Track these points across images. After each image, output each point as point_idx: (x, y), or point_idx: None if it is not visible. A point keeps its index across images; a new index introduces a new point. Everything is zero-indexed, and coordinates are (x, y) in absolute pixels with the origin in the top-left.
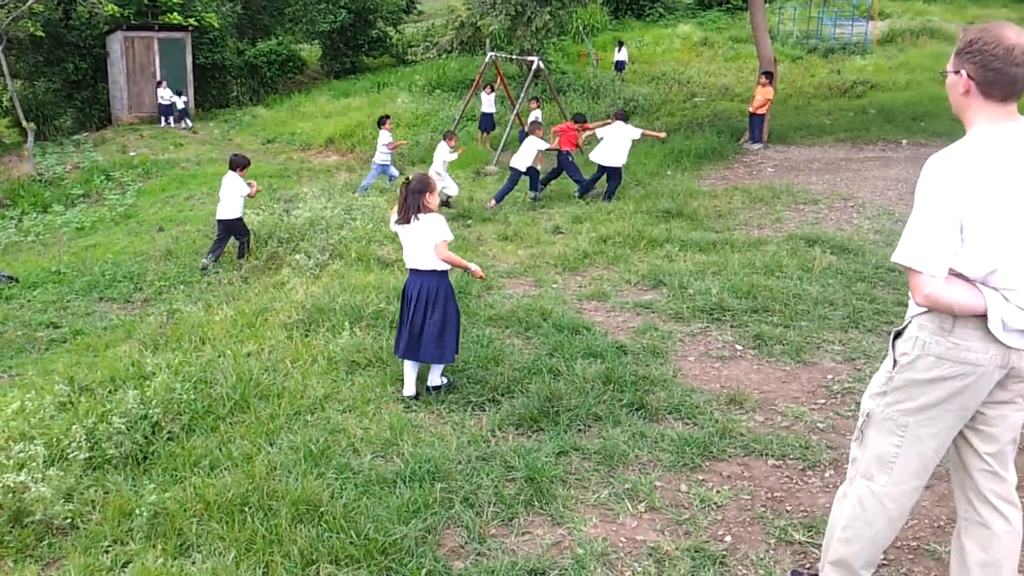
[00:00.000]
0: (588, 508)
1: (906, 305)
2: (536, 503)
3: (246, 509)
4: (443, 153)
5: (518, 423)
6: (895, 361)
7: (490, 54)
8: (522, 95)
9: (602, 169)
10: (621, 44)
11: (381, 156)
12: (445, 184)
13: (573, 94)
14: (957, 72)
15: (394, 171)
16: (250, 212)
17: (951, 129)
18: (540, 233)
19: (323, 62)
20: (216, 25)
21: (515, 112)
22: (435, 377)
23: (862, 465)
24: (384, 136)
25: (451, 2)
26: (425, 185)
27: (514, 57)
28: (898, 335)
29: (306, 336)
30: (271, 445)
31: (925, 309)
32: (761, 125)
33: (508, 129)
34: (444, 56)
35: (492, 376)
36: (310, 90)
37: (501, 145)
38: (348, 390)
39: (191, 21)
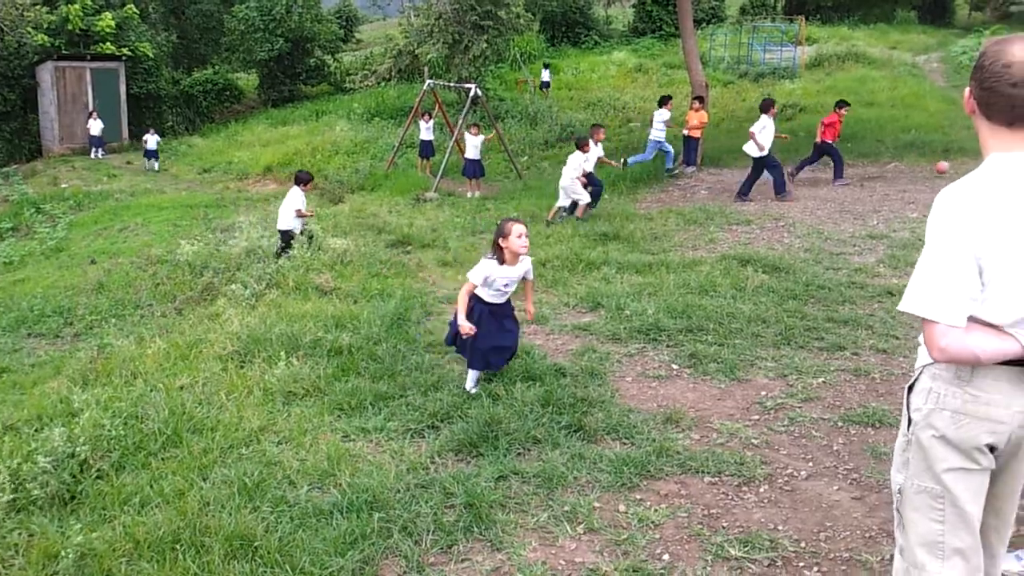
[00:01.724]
0: (528, 532)
1: (836, 321)
2: (475, 529)
3: (178, 547)
4: (578, 161)
5: (457, 449)
6: (909, 419)
7: (428, 82)
8: (460, 122)
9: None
10: (547, 66)
11: (657, 132)
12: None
13: (511, 120)
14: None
15: (669, 147)
16: (185, 243)
17: (876, 150)
18: (479, 258)
19: (260, 91)
20: (151, 55)
21: (454, 139)
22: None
23: (908, 553)
24: (663, 114)
25: (389, 31)
26: (497, 230)
27: (452, 85)
28: (911, 388)
29: (241, 367)
30: (204, 480)
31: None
32: (695, 148)
33: (447, 156)
34: (383, 84)
35: (432, 402)
36: (247, 119)
37: (441, 172)
38: (284, 421)
39: (124, 51)
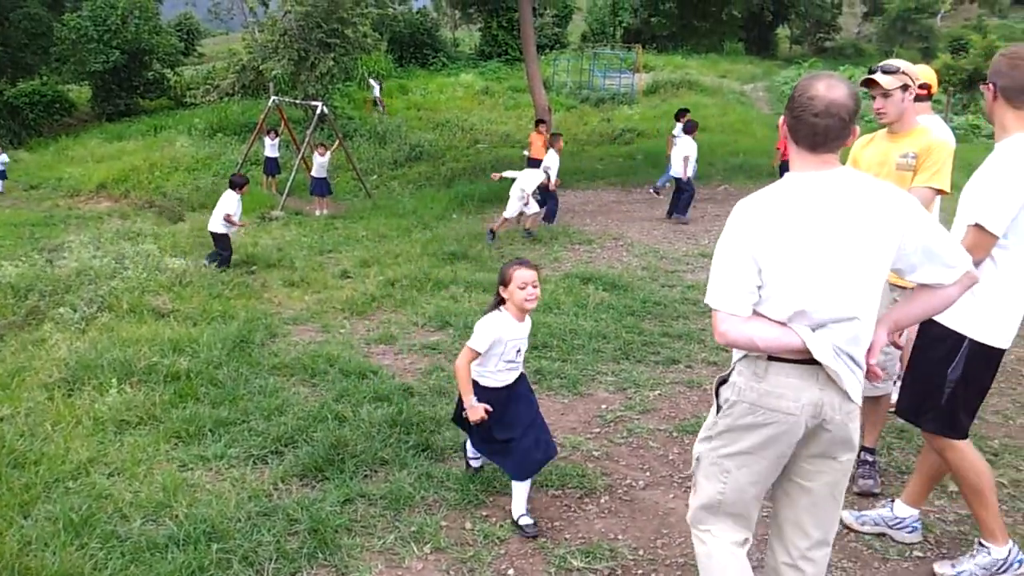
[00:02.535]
0: (374, 555)
1: (671, 336)
2: (320, 555)
3: None
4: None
5: (302, 473)
6: (718, 407)
7: (273, 98)
8: (307, 140)
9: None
10: (378, 81)
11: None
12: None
13: (360, 139)
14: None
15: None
16: (7, 264)
17: (707, 173)
18: (327, 278)
19: (94, 104)
20: None
21: (300, 156)
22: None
23: (692, 513)
24: (677, 128)
25: (233, 46)
26: (499, 276)
27: (298, 102)
28: (723, 381)
29: (69, 396)
30: (25, 518)
31: (744, 354)
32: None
33: (293, 174)
34: (226, 99)
35: (275, 426)
36: (80, 133)
37: (287, 189)
38: (116, 452)
39: None
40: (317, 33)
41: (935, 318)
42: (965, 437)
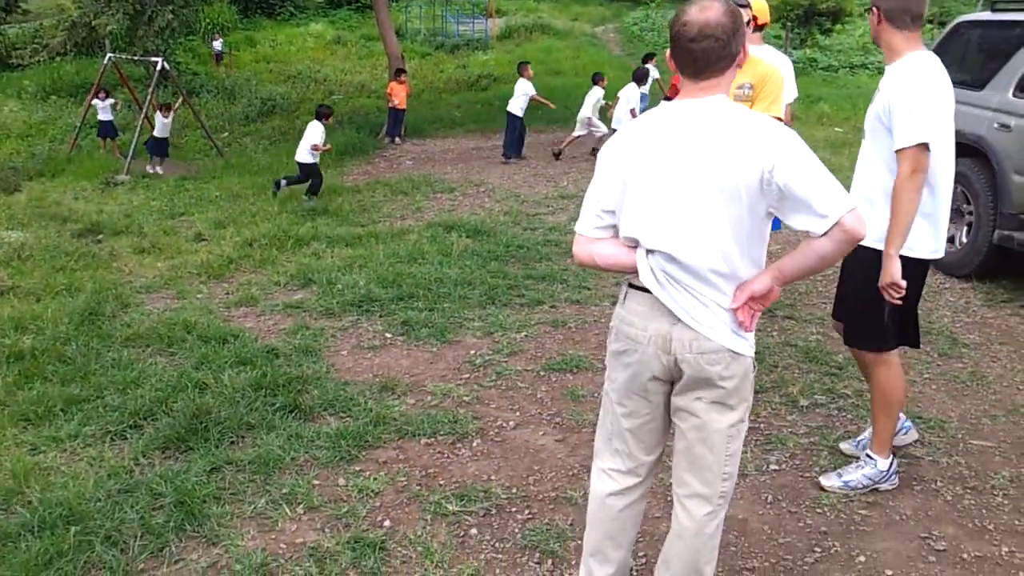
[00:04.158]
0: (245, 521)
1: (535, 278)
2: (188, 526)
3: None
4: (596, 96)
5: (164, 446)
6: None
7: (109, 56)
8: (148, 98)
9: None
10: (217, 35)
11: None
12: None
13: (207, 95)
14: None
15: None
16: None
17: (563, 116)
18: (180, 242)
19: None
20: None
21: (143, 116)
22: None
23: (596, 442)
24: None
25: (60, 1)
26: None
27: (137, 59)
28: None
29: None
30: None
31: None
32: (401, 120)
33: (137, 135)
34: (57, 59)
35: (132, 400)
36: None
37: (131, 152)
38: None
39: None
40: None
41: (862, 242)
42: (894, 348)
